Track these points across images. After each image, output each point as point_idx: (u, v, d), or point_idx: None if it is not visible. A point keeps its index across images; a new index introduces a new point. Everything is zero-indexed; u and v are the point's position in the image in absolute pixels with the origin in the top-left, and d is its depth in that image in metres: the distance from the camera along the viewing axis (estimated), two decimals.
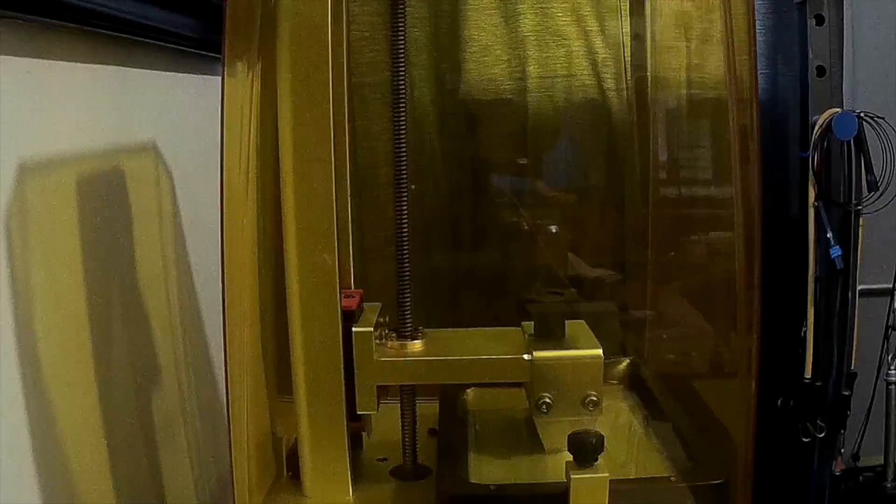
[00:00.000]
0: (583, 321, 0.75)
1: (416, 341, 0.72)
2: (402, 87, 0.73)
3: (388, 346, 0.72)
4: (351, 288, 0.76)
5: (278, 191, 0.67)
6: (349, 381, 0.69)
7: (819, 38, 0.98)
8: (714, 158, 0.86)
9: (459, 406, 0.84)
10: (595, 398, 0.68)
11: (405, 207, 0.73)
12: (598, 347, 0.69)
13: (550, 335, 0.71)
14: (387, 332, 0.73)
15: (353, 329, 0.68)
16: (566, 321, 0.73)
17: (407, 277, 0.73)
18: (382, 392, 0.71)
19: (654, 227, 1.01)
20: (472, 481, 0.69)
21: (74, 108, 0.74)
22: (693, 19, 0.93)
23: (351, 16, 0.76)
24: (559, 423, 0.69)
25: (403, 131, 0.73)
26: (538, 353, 0.69)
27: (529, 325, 0.73)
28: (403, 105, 0.73)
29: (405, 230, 0.73)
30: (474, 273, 1.03)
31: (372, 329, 0.69)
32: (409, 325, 0.73)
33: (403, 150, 0.74)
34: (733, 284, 0.75)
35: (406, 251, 0.73)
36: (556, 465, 0.68)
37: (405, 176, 0.75)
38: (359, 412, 0.69)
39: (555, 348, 0.69)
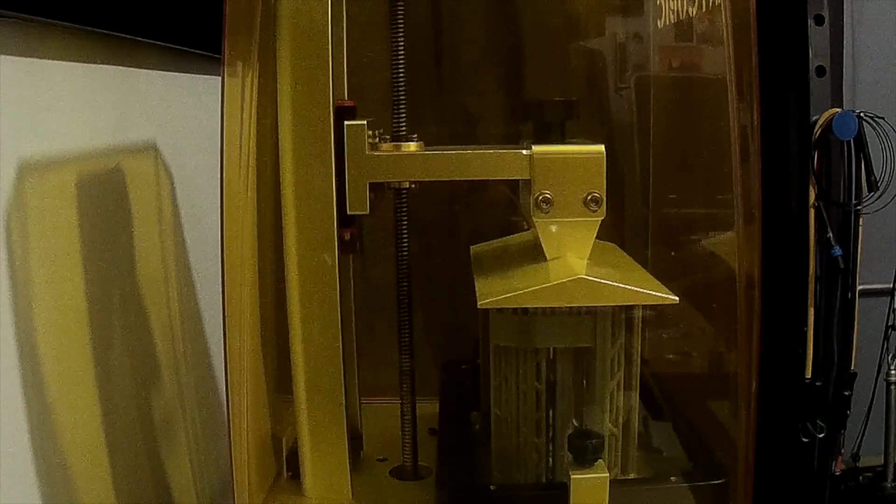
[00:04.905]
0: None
1: (410, 143, 0.70)
2: (402, 86, 0.73)
3: (383, 147, 0.69)
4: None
5: (278, 191, 0.67)
6: (340, 181, 0.66)
7: (819, 38, 0.98)
8: (714, 158, 0.86)
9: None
10: (597, 196, 0.65)
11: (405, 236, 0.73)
12: (600, 145, 0.67)
13: (551, 138, 0.69)
14: (381, 137, 0.70)
15: (346, 123, 0.66)
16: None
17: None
18: (375, 191, 0.68)
19: (654, 226, 1.01)
20: (480, 301, 0.64)
21: (74, 108, 0.74)
22: (693, 19, 0.93)
23: (351, 16, 0.76)
24: (560, 226, 0.66)
25: (403, 132, 0.73)
26: (538, 148, 0.66)
27: (529, 142, 0.70)
28: (403, 105, 0.73)
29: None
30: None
31: (364, 123, 0.66)
32: (403, 129, 0.71)
33: None
34: (733, 284, 0.75)
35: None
36: (556, 271, 0.66)
37: (405, 210, 0.75)
38: (350, 212, 0.67)
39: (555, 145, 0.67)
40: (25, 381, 0.63)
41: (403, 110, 0.72)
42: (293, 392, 0.69)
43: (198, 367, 1.00)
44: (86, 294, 0.73)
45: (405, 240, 0.76)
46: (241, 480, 0.69)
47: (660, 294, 0.63)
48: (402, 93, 0.72)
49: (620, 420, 0.69)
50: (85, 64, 0.75)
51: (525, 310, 0.66)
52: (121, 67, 0.82)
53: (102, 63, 0.79)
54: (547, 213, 0.66)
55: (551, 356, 0.67)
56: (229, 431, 0.68)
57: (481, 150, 0.68)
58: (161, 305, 0.91)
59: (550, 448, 0.69)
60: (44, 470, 0.65)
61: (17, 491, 0.62)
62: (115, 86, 0.81)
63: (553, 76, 1.01)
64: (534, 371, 0.67)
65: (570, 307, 0.65)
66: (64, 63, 0.72)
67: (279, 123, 0.66)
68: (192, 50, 0.95)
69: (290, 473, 0.75)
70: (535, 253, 0.68)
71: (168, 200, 0.94)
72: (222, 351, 0.67)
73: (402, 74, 0.72)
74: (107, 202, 0.79)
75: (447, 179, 0.68)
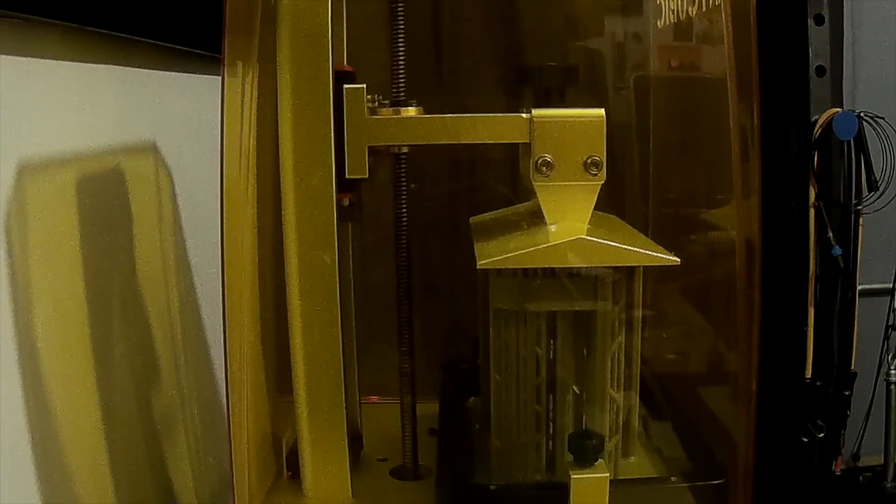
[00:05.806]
0: None
1: (410, 108, 0.69)
2: (402, 85, 0.73)
3: (382, 112, 0.69)
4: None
5: (278, 191, 0.67)
6: (339, 146, 0.66)
7: (819, 38, 0.98)
8: (714, 158, 0.86)
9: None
10: (598, 160, 0.65)
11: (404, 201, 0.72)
12: (600, 109, 0.66)
13: (550, 103, 0.69)
14: (381, 102, 0.70)
15: (345, 86, 0.65)
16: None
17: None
18: (373, 157, 0.67)
19: (655, 226, 1.01)
20: (480, 262, 0.63)
21: (74, 108, 0.74)
22: (693, 19, 0.93)
23: (351, 16, 0.76)
24: (560, 190, 0.66)
25: (403, 97, 0.72)
26: (538, 111, 0.66)
27: (529, 106, 0.69)
28: (402, 70, 0.72)
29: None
30: (472, 273, 1.03)
31: (363, 87, 0.66)
32: (402, 94, 0.71)
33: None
34: (733, 284, 0.75)
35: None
36: (556, 233, 0.65)
37: (405, 176, 0.75)
38: (348, 176, 0.66)
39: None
40: (25, 381, 0.63)
41: (402, 75, 0.72)
42: (293, 392, 0.69)
43: (198, 367, 1.00)
44: (86, 294, 0.73)
45: (404, 209, 0.75)
46: (241, 480, 0.69)
47: (660, 255, 0.63)
48: (401, 58, 0.72)
49: (622, 387, 0.69)
50: (85, 64, 0.75)
51: (525, 272, 0.66)
52: (120, 67, 0.82)
53: (102, 63, 0.79)
54: (547, 176, 0.65)
55: (552, 320, 0.67)
56: (229, 431, 0.68)
57: (481, 114, 0.67)
58: (161, 305, 0.91)
59: (551, 415, 0.68)
60: (44, 470, 0.65)
61: (17, 491, 0.62)
62: (114, 86, 0.81)
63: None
64: (534, 335, 0.67)
65: (571, 270, 0.65)
66: (64, 63, 0.72)
67: (279, 123, 0.66)
68: (192, 50, 0.95)
69: (290, 473, 0.75)
70: (535, 219, 0.68)
71: (168, 200, 0.94)
72: (222, 351, 0.67)
73: (401, 41, 0.72)
74: (107, 202, 0.79)
75: (446, 143, 0.67)
